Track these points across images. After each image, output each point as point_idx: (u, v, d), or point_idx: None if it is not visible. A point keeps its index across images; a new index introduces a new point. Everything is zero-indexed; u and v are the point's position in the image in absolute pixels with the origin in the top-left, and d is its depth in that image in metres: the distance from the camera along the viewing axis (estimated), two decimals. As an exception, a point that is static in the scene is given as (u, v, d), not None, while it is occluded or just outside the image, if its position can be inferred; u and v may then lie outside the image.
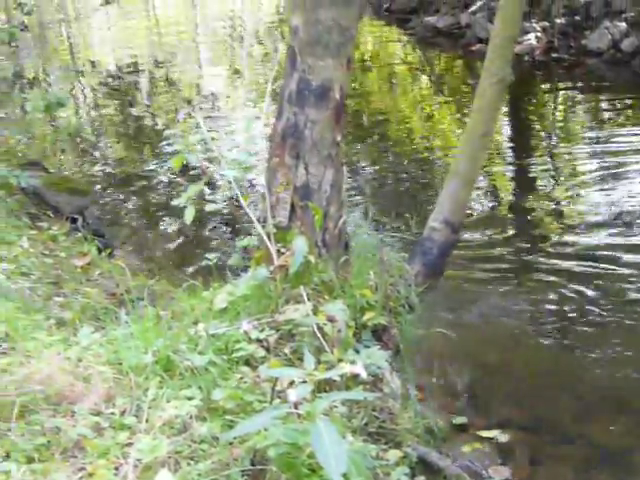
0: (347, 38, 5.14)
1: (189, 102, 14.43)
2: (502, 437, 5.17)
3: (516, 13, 5.95)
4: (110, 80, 16.47)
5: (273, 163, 5.38)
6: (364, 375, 3.49)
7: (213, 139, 6.13)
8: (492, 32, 6.18)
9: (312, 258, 4.84)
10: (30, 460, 3.31)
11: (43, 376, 3.79)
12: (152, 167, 11.22)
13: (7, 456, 3.33)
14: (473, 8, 17.99)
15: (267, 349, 4.40)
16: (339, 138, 5.29)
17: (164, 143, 11.74)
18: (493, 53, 5.94)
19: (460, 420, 5.30)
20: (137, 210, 9.81)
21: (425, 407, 5.11)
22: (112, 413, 3.71)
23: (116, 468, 3.33)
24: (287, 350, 4.59)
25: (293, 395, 3.32)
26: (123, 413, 3.72)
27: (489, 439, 5.16)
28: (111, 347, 4.23)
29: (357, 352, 4.52)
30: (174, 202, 5.08)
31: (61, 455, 3.42)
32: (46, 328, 4.59)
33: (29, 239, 6.66)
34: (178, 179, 10.15)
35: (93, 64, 17.88)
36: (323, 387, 3.95)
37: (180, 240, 8.56)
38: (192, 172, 9.31)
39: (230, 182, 4.69)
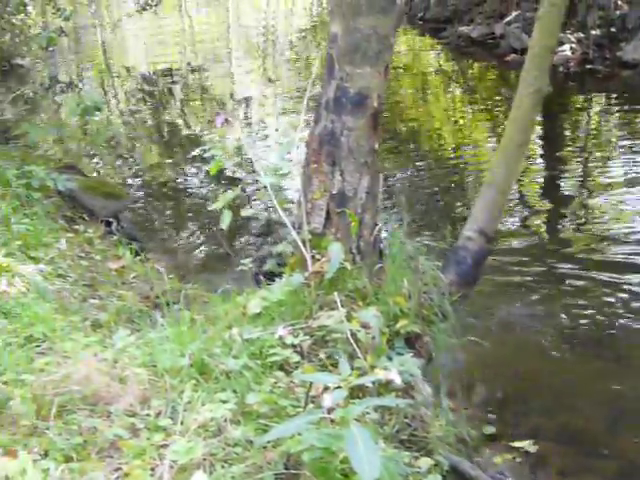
0: (385, 46, 5.17)
1: (223, 108, 14.49)
2: (533, 448, 5.13)
3: (555, 23, 5.94)
4: (144, 85, 16.58)
5: (309, 170, 5.41)
6: (399, 381, 3.51)
7: (248, 145, 6.16)
8: (530, 42, 6.16)
9: (347, 265, 4.86)
10: (68, 459, 3.36)
11: (80, 376, 3.84)
12: (186, 172, 11.30)
13: (45, 454, 3.37)
14: (508, 18, 17.97)
15: (301, 354, 4.43)
16: (375, 146, 5.32)
17: (198, 148, 11.80)
18: (530, 63, 5.93)
19: (491, 430, 5.29)
20: (171, 214, 9.87)
21: (456, 416, 5.09)
22: (147, 414, 3.75)
23: (152, 469, 3.37)
24: (321, 356, 4.61)
25: (328, 400, 3.34)
26: (158, 415, 3.76)
27: (520, 449, 5.14)
28: (146, 349, 4.28)
29: (390, 359, 4.53)
30: (211, 207, 5.13)
31: (97, 455, 3.47)
32: (82, 329, 4.65)
33: (66, 241, 6.73)
34: (212, 184, 10.19)
35: (127, 69, 18.01)
36: (356, 393, 3.95)
37: (214, 245, 8.59)
38: (227, 177, 9.38)
39: (266, 188, 4.72)
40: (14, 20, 14.04)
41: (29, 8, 14.44)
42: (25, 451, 3.30)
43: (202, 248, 8.64)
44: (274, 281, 5.39)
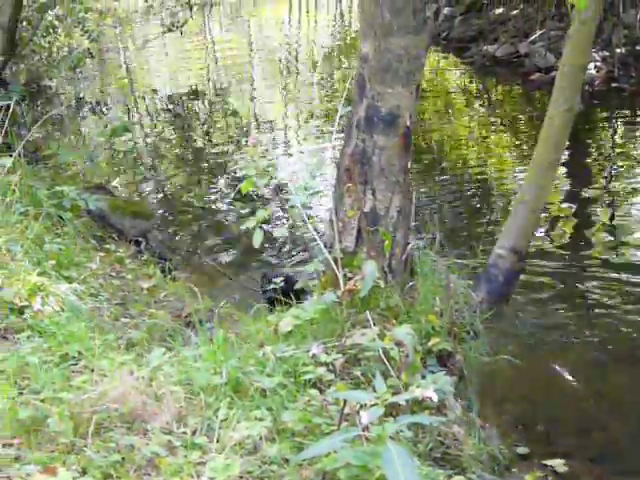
0: (417, 66, 5.20)
1: (248, 129, 14.56)
2: (564, 467, 5.10)
3: (586, 41, 5.96)
4: (169, 105, 16.68)
5: (341, 188, 5.44)
6: (435, 399, 3.51)
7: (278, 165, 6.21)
8: (561, 61, 6.17)
9: (380, 283, 4.88)
10: (106, 476, 3.37)
11: (117, 394, 3.86)
12: (212, 191, 11.34)
13: (84, 472, 3.39)
14: (532, 37, 17.97)
15: (334, 372, 4.44)
16: (407, 165, 5.34)
17: (225, 168, 11.89)
18: (562, 82, 5.94)
19: (523, 448, 5.26)
20: (198, 233, 9.92)
21: (488, 434, 5.08)
22: (184, 432, 3.77)
23: (189, 486, 3.39)
24: (354, 374, 4.62)
25: (365, 418, 3.35)
26: (194, 433, 3.78)
27: (551, 468, 5.11)
28: (181, 368, 4.30)
29: (423, 377, 4.53)
30: (242, 226, 5.16)
31: (135, 472, 3.48)
32: (117, 348, 4.67)
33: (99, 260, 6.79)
34: (240, 203, 10.23)
35: (153, 90, 18.13)
36: (389, 411, 3.95)
37: (244, 263, 8.63)
38: (255, 197, 9.41)
39: (297, 207, 4.75)
40: (43, 42, 14.21)
41: (58, 30, 14.60)
42: (64, 468, 3.32)
43: (231, 267, 8.67)
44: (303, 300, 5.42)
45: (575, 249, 8.96)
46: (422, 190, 10.76)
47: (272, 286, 6.68)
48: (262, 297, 7.15)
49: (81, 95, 16.21)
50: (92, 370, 4.15)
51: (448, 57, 19.96)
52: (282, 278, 6.81)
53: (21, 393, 3.87)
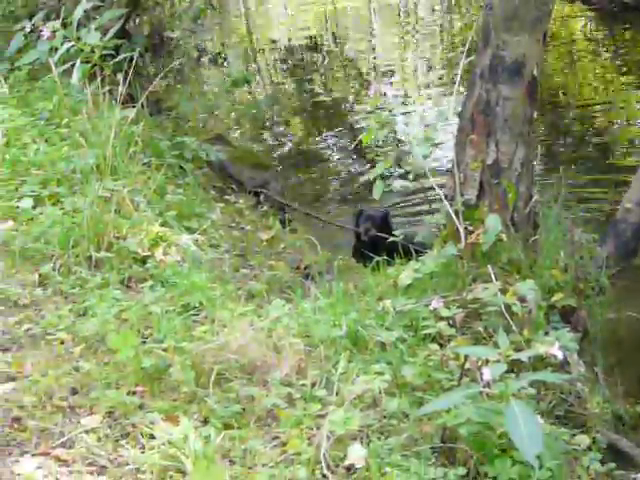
0: (544, 12, 5.04)
1: (367, 80, 14.44)
2: (694, 427, 4.96)
3: None
4: (288, 56, 16.66)
5: (462, 140, 5.33)
6: (560, 356, 3.44)
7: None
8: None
9: (503, 237, 4.78)
10: (227, 426, 3.41)
11: (237, 346, 3.90)
12: (332, 143, 11.31)
13: (205, 421, 3.44)
14: (665, -20, 17.21)
15: (454, 327, 4.38)
16: (533, 115, 5.19)
17: (345, 119, 11.84)
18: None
19: (650, 409, 5.12)
20: (317, 185, 9.91)
21: (613, 392, 4.95)
22: (303, 385, 3.78)
23: (309, 439, 3.39)
24: (475, 329, 4.55)
25: (487, 374, 3.30)
26: (314, 385, 3.78)
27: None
28: (300, 320, 4.30)
29: (546, 333, 4.44)
30: (363, 178, 5.12)
31: (255, 423, 3.52)
32: (237, 299, 4.70)
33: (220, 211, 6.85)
34: (359, 155, 10.18)
35: (272, 41, 18.13)
36: (510, 368, 3.87)
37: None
38: (375, 148, 9.34)
39: (418, 159, 4.68)
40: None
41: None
42: (186, 417, 3.36)
43: (350, 219, 8.64)
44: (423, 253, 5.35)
45: None
46: (545, 141, 10.49)
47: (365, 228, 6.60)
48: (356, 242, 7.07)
49: (202, 47, 16.31)
50: (213, 320, 4.20)
51: (573, 5, 19.33)
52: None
53: (144, 342, 3.94)
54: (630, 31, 16.50)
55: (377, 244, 6.22)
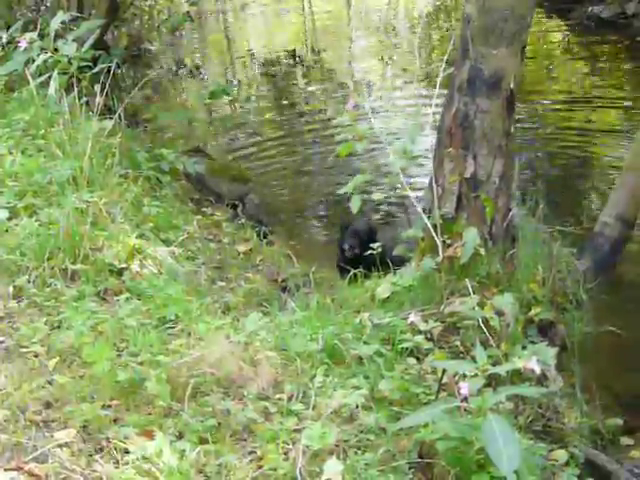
0: (522, 26, 5.05)
1: (346, 92, 14.43)
2: (672, 442, 4.96)
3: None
4: (267, 68, 16.64)
5: (441, 153, 5.33)
6: (538, 371, 3.43)
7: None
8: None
9: (481, 250, 4.78)
10: (203, 441, 3.38)
11: (213, 359, 3.86)
12: (310, 155, 11.28)
13: (180, 436, 3.40)
14: (640, -3, 17.34)
15: (432, 341, 4.37)
16: (511, 129, 5.20)
17: (323, 131, 11.81)
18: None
19: (627, 422, 5.11)
20: (295, 198, 9.88)
21: (591, 407, 4.95)
22: (280, 398, 3.76)
23: (285, 453, 3.37)
24: (453, 343, 4.54)
25: (465, 388, 3.28)
26: (290, 399, 3.76)
27: (658, 444, 4.96)
28: (277, 333, 4.28)
29: (523, 348, 4.42)
30: (340, 191, 5.11)
31: (231, 438, 3.49)
32: (213, 312, 4.67)
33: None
34: (337, 168, 10.15)
35: (251, 53, 18.12)
36: (488, 382, 3.85)
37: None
38: (353, 161, 9.32)
39: (396, 172, 4.67)
40: (143, 6, 14.30)
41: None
42: (161, 432, 3.33)
43: (327, 232, 8.62)
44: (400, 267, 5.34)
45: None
46: (524, 155, 10.49)
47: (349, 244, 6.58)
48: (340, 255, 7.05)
49: (180, 59, 16.28)
50: (189, 334, 4.17)
51: (550, 18, 19.43)
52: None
53: (119, 355, 3.91)
54: (606, 46, 16.62)
55: (361, 258, 6.20)
